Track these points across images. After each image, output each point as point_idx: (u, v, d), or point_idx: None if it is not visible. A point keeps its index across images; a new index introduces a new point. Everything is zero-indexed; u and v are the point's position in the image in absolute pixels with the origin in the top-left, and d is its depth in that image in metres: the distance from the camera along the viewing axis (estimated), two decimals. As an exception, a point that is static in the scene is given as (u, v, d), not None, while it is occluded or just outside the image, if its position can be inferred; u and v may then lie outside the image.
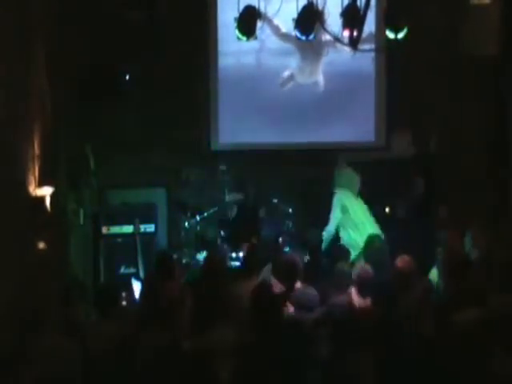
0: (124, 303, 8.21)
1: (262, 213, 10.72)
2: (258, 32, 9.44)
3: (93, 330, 6.25)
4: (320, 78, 11.45)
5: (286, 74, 11.43)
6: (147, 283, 7.80)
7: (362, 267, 7.53)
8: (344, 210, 9.46)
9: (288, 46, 11.28)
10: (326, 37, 10.29)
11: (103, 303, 6.57)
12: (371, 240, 8.37)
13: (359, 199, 9.60)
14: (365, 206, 9.56)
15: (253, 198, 10.82)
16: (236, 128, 11.44)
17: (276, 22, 10.82)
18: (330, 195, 9.92)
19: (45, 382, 4.75)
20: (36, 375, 4.74)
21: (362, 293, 7.19)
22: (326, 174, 11.12)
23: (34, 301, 6.79)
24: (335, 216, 9.49)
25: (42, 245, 7.49)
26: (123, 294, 8.37)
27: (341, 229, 9.47)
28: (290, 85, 11.44)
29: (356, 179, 9.72)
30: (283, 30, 11.03)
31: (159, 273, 7.64)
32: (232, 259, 9.59)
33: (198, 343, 5.76)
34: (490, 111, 11.18)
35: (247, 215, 10.56)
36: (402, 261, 7.33)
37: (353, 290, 7.29)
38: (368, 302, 7.06)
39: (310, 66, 11.44)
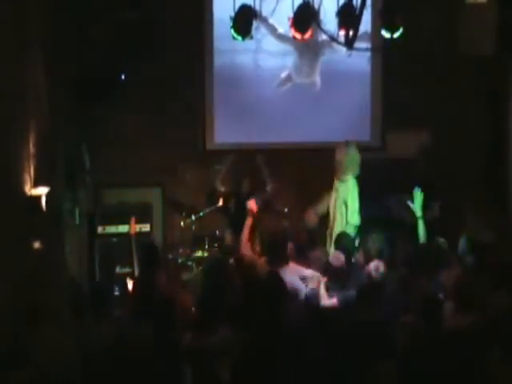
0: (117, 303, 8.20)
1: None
2: (253, 32, 9.46)
3: (87, 330, 6.24)
4: (317, 79, 11.45)
5: (284, 74, 11.43)
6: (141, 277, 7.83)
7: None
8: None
9: (285, 46, 11.27)
10: (323, 37, 10.32)
11: (94, 303, 6.57)
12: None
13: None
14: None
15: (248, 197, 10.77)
16: (231, 127, 11.44)
17: (272, 22, 10.82)
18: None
19: (44, 381, 4.76)
20: (35, 374, 4.75)
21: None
22: (323, 173, 11.17)
23: (31, 301, 6.77)
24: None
25: (37, 245, 7.48)
26: (117, 293, 8.38)
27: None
28: (288, 85, 11.43)
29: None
30: (280, 30, 11.03)
31: (150, 263, 7.66)
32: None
33: (199, 343, 5.76)
34: (488, 111, 11.21)
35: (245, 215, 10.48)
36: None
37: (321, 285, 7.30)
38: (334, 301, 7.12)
39: (307, 66, 11.44)
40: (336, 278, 7.30)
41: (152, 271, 7.43)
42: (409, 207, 8.30)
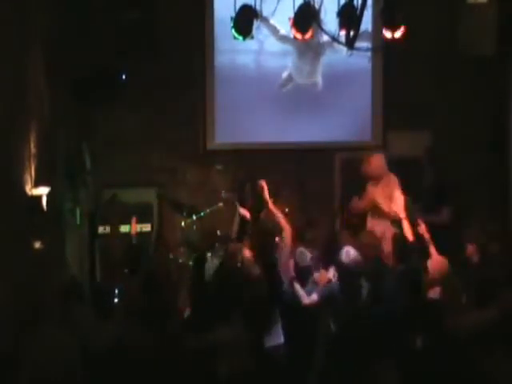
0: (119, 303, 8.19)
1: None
2: (254, 32, 9.47)
3: (90, 329, 6.24)
4: (319, 79, 11.43)
5: (285, 74, 11.42)
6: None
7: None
8: None
9: (286, 46, 11.26)
10: (324, 38, 10.32)
11: (99, 303, 6.57)
12: None
13: None
14: None
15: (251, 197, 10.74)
16: (233, 127, 11.43)
17: (274, 23, 10.82)
18: (328, 194, 9.95)
19: (44, 380, 4.75)
20: (35, 374, 4.73)
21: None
22: (324, 173, 11.21)
23: (32, 301, 6.79)
24: None
25: (39, 244, 7.48)
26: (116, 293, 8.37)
27: None
28: (290, 86, 11.42)
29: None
30: (282, 31, 11.01)
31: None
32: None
33: (201, 343, 5.77)
34: (489, 110, 11.21)
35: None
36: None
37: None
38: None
39: (308, 67, 11.43)
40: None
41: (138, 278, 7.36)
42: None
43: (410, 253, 7.40)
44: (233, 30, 9.39)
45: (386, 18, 9.06)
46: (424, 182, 10.45)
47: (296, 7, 9.13)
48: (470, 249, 7.76)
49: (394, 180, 9.31)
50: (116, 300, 7.50)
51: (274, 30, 11.12)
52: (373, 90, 11.55)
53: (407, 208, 8.04)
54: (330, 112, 11.44)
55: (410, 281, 6.53)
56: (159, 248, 9.92)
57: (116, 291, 8.12)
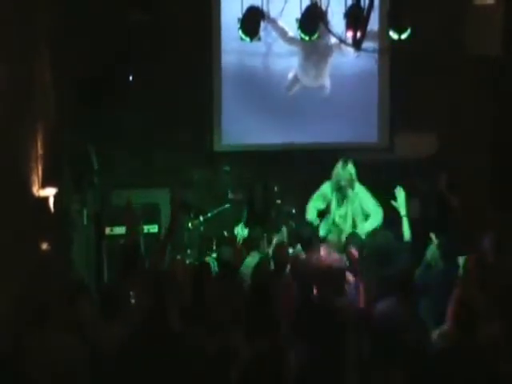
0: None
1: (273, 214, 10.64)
2: (262, 34, 9.49)
3: (97, 330, 6.24)
4: (327, 82, 11.43)
5: (290, 75, 11.42)
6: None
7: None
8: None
9: (292, 47, 11.26)
10: (331, 40, 10.34)
11: (107, 304, 6.56)
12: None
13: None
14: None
15: (261, 198, 10.75)
16: (239, 129, 11.44)
17: (281, 24, 10.84)
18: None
19: (48, 380, 4.76)
20: (39, 374, 4.75)
21: None
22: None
23: (37, 301, 6.79)
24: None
25: (45, 245, 7.50)
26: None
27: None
28: (296, 88, 11.43)
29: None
30: (290, 33, 11.01)
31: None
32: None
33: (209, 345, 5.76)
34: (493, 112, 11.20)
35: (258, 216, 10.43)
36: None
37: None
38: None
39: (314, 69, 11.43)
40: None
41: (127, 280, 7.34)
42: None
43: (403, 252, 7.38)
44: (240, 31, 9.41)
45: (392, 20, 9.08)
46: (426, 184, 10.46)
47: (303, 8, 9.16)
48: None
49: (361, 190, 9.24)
50: (123, 301, 7.48)
51: (282, 32, 11.13)
52: (379, 91, 11.55)
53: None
54: (337, 113, 11.44)
55: (400, 281, 6.52)
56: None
57: (124, 292, 8.12)
